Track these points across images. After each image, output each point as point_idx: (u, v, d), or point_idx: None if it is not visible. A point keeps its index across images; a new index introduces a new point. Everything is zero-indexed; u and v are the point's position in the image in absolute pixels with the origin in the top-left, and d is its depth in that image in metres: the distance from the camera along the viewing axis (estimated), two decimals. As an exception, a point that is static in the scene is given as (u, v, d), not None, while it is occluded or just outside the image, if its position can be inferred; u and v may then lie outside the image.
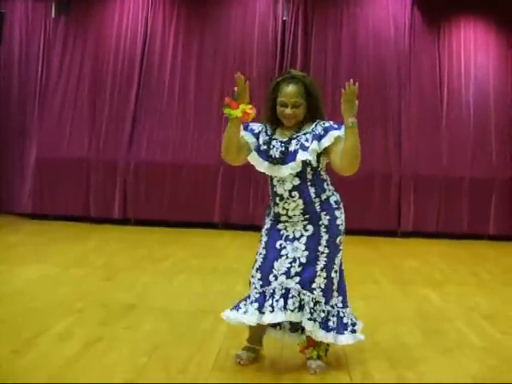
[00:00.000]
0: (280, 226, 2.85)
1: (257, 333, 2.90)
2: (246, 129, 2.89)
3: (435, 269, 5.70)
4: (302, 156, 2.75)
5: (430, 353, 3.15)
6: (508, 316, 4.04)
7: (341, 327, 2.81)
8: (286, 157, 2.78)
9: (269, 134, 2.88)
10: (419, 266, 5.84)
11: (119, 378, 2.64)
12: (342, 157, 2.69)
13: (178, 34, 8.03)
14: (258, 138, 2.88)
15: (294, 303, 2.69)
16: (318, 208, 2.79)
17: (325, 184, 2.84)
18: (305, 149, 2.76)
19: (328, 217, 2.79)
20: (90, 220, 7.74)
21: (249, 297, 2.80)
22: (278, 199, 2.83)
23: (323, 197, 2.81)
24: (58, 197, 7.83)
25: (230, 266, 5.31)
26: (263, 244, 2.86)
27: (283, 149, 2.80)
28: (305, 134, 2.81)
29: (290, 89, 2.77)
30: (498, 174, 7.79)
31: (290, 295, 2.70)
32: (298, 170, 2.77)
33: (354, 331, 2.85)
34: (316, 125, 2.82)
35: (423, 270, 5.65)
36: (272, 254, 2.79)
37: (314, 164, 2.78)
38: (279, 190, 2.81)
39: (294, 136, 2.82)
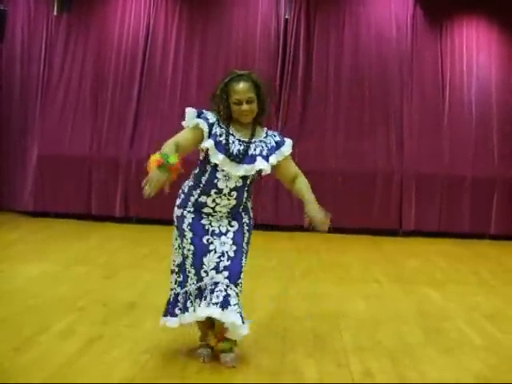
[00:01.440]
0: (204, 220, 2.90)
1: (206, 327, 2.93)
2: (199, 116, 2.88)
3: (436, 268, 5.69)
4: (261, 165, 2.86)
5: (432, 352, 3.16)
6: (509, 315, 4.04)
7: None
8: (244, 157, 2.85)
9: (223, 126, 2.90)
10: (420, 265, 5.83)
11: (120, 375, 2.65)
12: (292, 189, 2.96)
13: (180, 32, 8.01)
14: (211, 128, 2.88)
15: (217, 297, 2.74)
16: (241, 210, 2.95)
17: (251, 191, 2.99)
18: (263, 158, 2.87)
19: (247, 217, 2.98)
20: (91, 218, 7.73)
21: (189, 294, 2.85)
22: (213, 191, 2.87)
23: (247, 202, 2.98)
24: (60, 194, 7.82)
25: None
26: (189, 240, 2.88)
27: (242, 149, 2.86)
28: (260, 141, 2.91)
29: (241, 86, 2.86)
30: (500, 173, 7.77)
31: (217, 289, 2.75)
32: (251, 173, 2.86)
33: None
34: (267, 135, 2.95)
35: (424, 269, 5.64)
36: (200, 250, 2.84)
37: (263, 174, 2.91)
38: (221, 184, 2.86)
39: (253, 141, 2.90)
